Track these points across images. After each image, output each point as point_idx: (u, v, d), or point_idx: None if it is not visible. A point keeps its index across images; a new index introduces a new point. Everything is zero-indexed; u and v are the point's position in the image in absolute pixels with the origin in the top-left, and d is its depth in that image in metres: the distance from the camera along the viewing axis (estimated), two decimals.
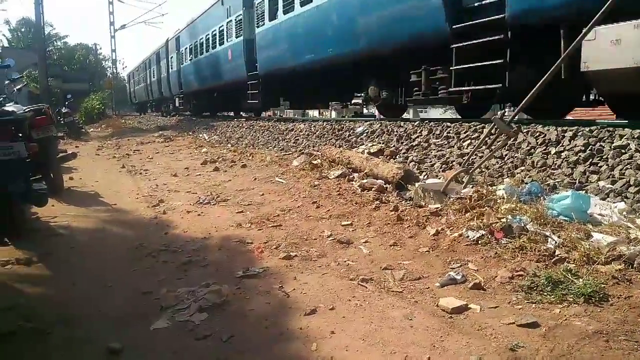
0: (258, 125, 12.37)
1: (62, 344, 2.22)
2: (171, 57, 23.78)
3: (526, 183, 3.94)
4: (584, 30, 3.47)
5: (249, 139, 11.18)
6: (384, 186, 4.76)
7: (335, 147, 7.27)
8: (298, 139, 9.27)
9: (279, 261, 3.20)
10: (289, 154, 8.16)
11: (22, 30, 49.52)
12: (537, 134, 4.72)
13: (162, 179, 6.87)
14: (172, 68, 23.73)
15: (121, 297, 2.75)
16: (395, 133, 6.92)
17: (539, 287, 2.40)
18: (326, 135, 8.52)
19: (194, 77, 19.87)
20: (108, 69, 46.37)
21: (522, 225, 3.04)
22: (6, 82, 6.22)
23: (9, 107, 4.58)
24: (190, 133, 15.00)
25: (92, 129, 20.71)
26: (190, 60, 20.01)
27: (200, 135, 14.01)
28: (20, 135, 4.16)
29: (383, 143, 6.74)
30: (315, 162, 6.44)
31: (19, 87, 6.66)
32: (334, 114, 19.82)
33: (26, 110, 5.27)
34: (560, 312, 2.18)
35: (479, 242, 3.06)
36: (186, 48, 20.55)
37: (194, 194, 5.67)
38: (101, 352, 2.13)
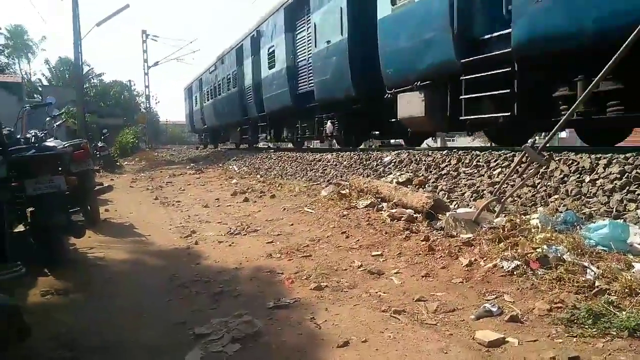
0: (286, 156, 12.53)
1: None
2: None
3: (561, 212, 3.85)
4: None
5: (278, 170, 11.32)
6: (414, 216, 4.72)
7: (363, 176, 7.29)
8: (326, 169, 9.32)
9: (309, 292, 3.19)
10: (317, 184, 8.21)
11: (61, 69, 52.07)
12: (570, 162, 4.62)
13: (194, 210, 7.01)
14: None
15: (155, 326, 2.79)
16: (424, 162, 6.89)
17: (579, 320, 2.32)
18: (354, 165, 8.55)
19: None
20: (142, 104, 48.00)
21: (559, 255, 2.96)
22: (47, 118, 6.51)
23: (50, 142, 4.79)
24: (221, 165, 15.29)
25: (126, 162, 21.36)
26: None
27: (230, 166, 14.27)
28: (60, 169, 4.33)
29: (411, 172, 6.71)
30: (343, 191, 6.45)
31: (58, 123, 6.93)
32: None
33: (66, 145, 5.51)
34: (603, 346, 2.10)
35: (514, 272, 2.99)
36: None
37: (224, 224, 5.75)
38: None
